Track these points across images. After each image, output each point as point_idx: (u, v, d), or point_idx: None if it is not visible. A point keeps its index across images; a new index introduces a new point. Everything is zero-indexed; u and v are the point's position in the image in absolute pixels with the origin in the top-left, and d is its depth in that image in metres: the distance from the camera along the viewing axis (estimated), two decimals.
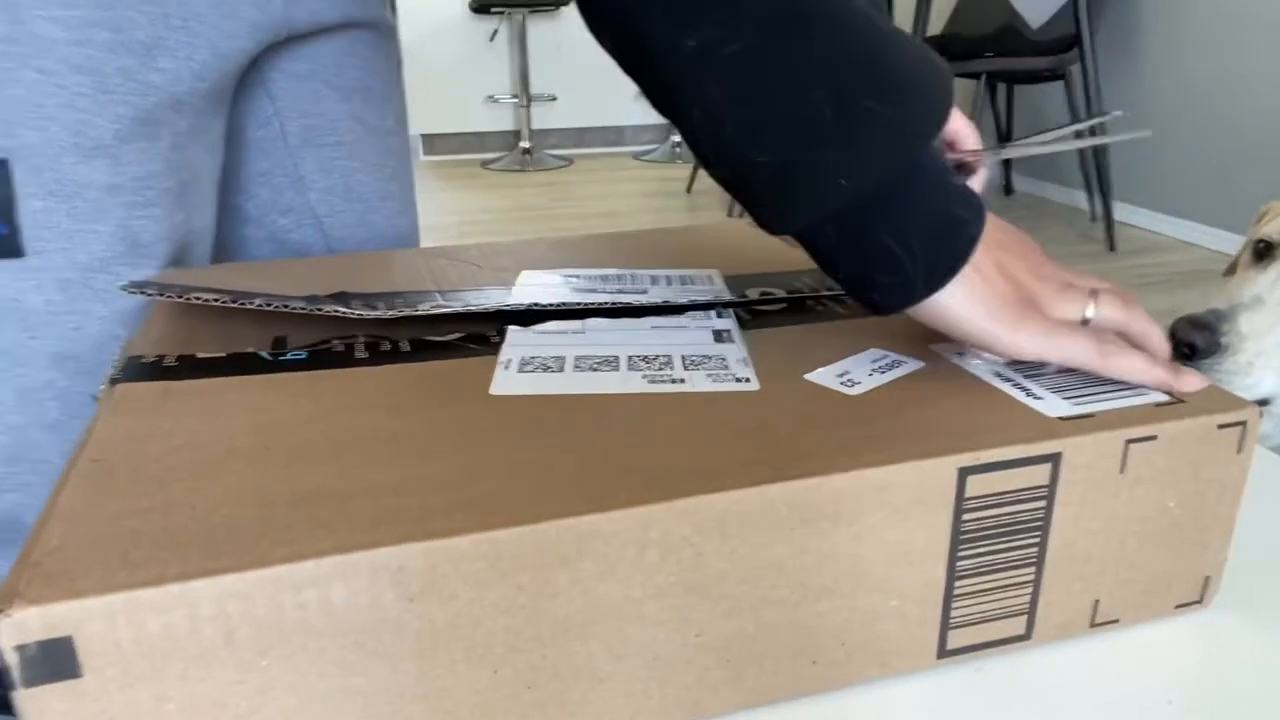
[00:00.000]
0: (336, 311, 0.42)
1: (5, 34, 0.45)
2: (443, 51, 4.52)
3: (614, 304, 0.45)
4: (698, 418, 0.34)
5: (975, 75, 3.24)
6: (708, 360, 0.39)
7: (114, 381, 0.37)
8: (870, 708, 0.33)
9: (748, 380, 0.37)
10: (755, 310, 0.44)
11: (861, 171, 0.33)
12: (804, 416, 0.34)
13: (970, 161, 0.50)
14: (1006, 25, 3.34)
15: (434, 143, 4.68)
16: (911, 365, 0.39)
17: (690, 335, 0.41)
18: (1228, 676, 0.35)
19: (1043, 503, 0.33)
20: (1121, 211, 3.24)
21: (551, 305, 0.44)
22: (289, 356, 0.39)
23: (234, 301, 0.42)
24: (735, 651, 0.31)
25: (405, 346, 0.40)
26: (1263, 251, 1.08)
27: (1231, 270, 1.20)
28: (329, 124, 0.65)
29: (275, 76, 0.62)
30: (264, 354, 0.40)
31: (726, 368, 0.38)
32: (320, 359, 0.39)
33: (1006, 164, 3.86)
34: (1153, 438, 0.34)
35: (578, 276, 0.50)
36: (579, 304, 0.45)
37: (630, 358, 0.39)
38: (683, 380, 0.37)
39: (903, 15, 3.40)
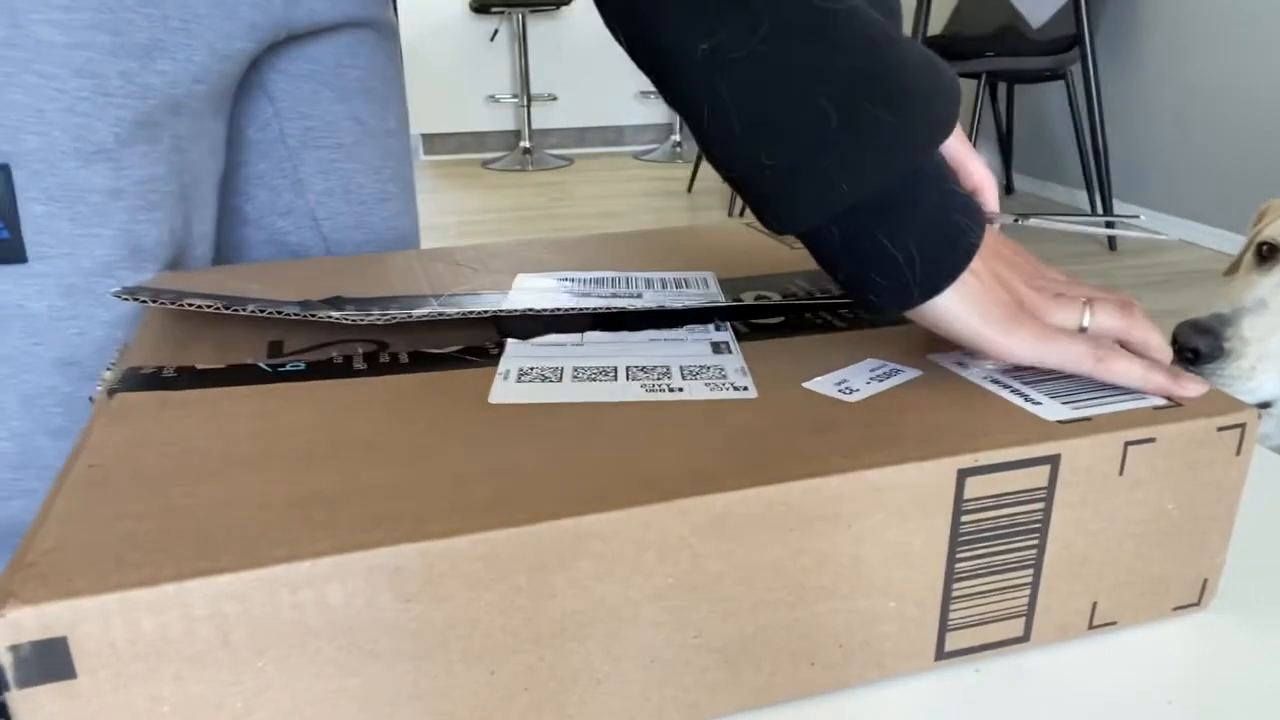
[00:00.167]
0: (330, 318, 0.42)
1: (5, 39, 0.45)
2: (443, 51, 4.53)
3: (608, 309, 0.45)
4: (696, 423, 0.34)
5: (975, 75, 3.24)
6: (706, 370, 0.39)
7: (112, 392, 0.37)
8: (869, 709, 0.33)
9: (746, 389, 0.37)
10: (753, 324, 0.44)
11: (863, 177, 0.34)
12: (802, 421, 0.34)
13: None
14: (1007, 25, 3.34)
15: (434, 143, 4.68)
16: (910, 374, 0.39)
17: (688, 348, 0.41)
18: (1228, 678, 0.35)
19: (1041, 505, 0.33)
20: (1122, 211, 3.24)
21: (546, 310, 0.44)
22: (288, 368, 0.39)
23: (227, 307, 0.42)
24: (733, 653, 0.31)
25: (404, 358, 0.40)
26: (1266, 254, 1.08)
27: (1233, 270, 1.19)
28: (328, 125, 0.64)
29: (275, 78, 0.62)
30: (263, 365, 0.40)
31: (724, 377, 0.38)
32: (319, 370, 0.39)
33: (1007, 163, 3.86)
34: (1151, 440, 0.34)
35: (572, 280, 0.50)
36: (574, 309, 0.45)
37: (629, 368, 0.39)
38: (681, 389, 0.37)
39: (903, 15, 3.40)
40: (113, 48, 0.48)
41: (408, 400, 0.36)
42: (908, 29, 2.90)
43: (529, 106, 4.54)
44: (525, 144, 4.58)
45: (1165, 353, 0.39)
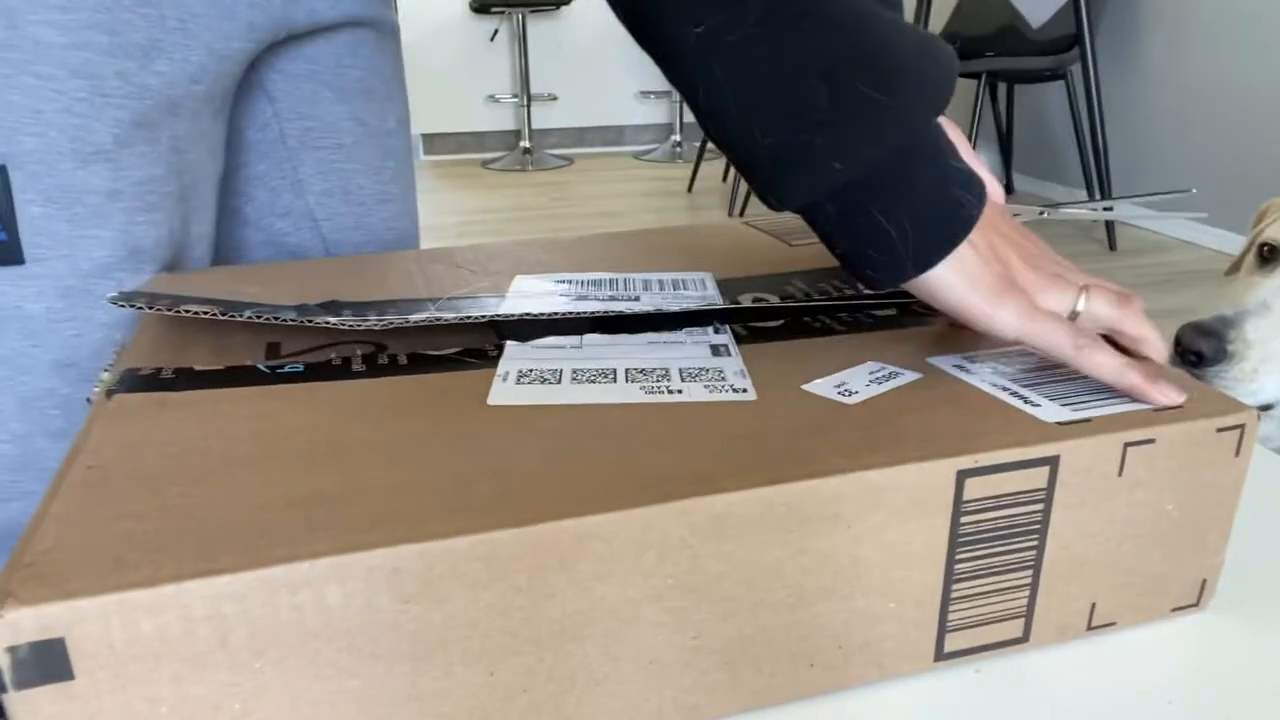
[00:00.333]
0: (327, 323, 0.42)
1: (2, 39, 0.45)
2: (443, 51, 4.52)
3: (606, 313, 0.45)
4: (695, 425, 0.34)
5: (975, 75, 3.24)
6: (705, 372, 0.39)
7: (110, 393, 0.37)
8: (870, 710, 0.33)
9: (745, 391, 0.37)
10: (752, 327, 0.44)
11: (855, 155, 0.35)
12: (801, 423, 0.34)
13: None
14: (1007, 25, 3.34)
15: (434, 143, 4.68)
16: (909, 376, 0.39)
17: (687, 350, 0.41)
18: (1227, 678, 0.35)
19: (1041, 506, 0.33)
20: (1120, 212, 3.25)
21: (544, 315, 0.44)
22: (286, 369, 0.39)
23: (223, 313, 0.42)
24: (733, 654, 0.31)
25: (403, 360, 0.40)
26: (1268, 255, 1.08)
27: (1233, 270, 1.19)
28: (328, 126, 0.64)
29: (274, 78, 0.62)
30: (262, 367, 0.40)
31: (724, 379, 0.38)
32: (317, 372, 0.39)
33: (1007, 163, 3.86)
34: (1151, 441, 0.34)
35: (570, 282, 0.50)
36: (571, 313, 0.45)
37: (628, 370, 0.39)
38: (680, 391, 0.37)
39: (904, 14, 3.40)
40: (110, 48, 0.48)
41: (406, 402, 0.36)
42: None
43: (529, 106, 4.54)
44: (525, 144, 4.58)
45: (1160, 351, 0.39)
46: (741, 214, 3.43)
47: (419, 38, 4.45)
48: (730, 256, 0.55)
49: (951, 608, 0.34)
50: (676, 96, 4.28)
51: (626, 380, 0.38)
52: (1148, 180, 3.20)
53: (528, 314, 0.44)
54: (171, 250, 0.54)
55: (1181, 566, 0.37)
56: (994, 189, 0.46)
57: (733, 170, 3.16)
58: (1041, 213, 0.51)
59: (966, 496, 0.32)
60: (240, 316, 0.42)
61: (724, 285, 0.50)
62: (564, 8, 4.47)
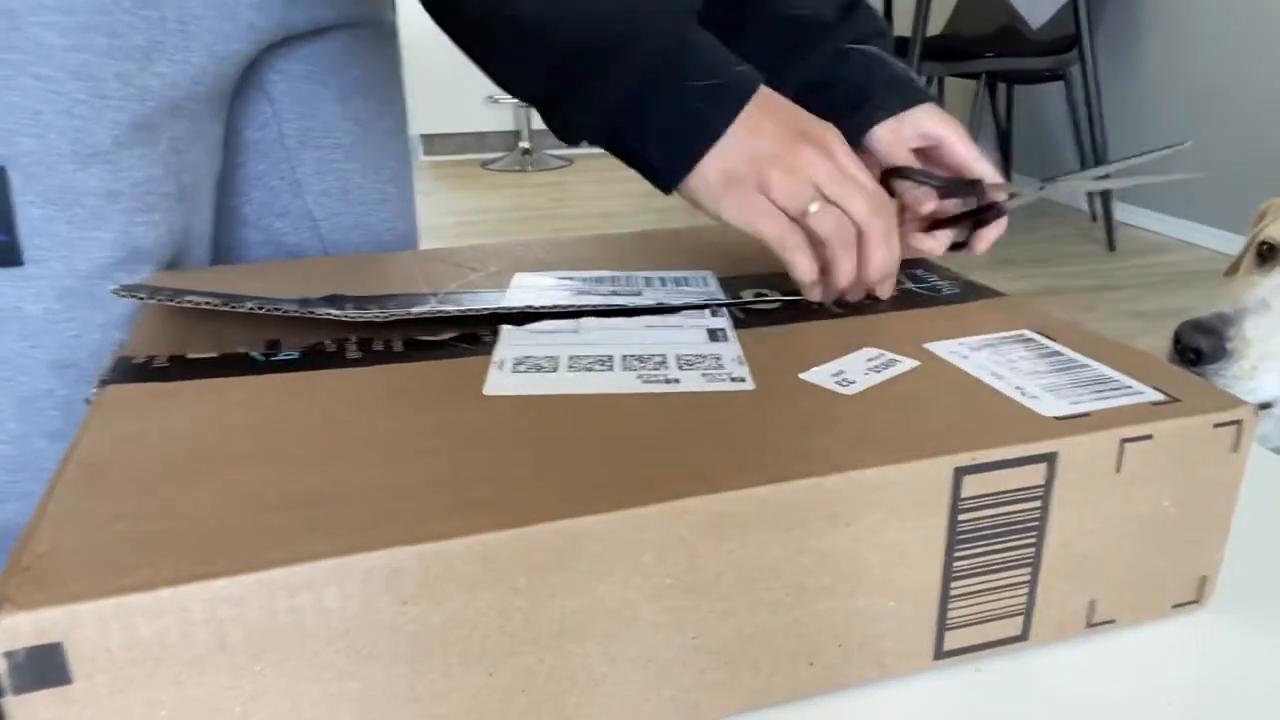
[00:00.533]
0: (329, 314, 0.42)
1: (3, 41, 0.45)
2: (443, 51, 4.50)
3: (607, 306, 0.45)
4: (693, 418, 0.34)
5: (975, 75, 3.23)
6: (702, 360, 0.39)
7: (104, 383, 0.37)
8: (871, 709, 0.33)
9: (743, 380, 0.37)
10: (750, 309, 0.44)
11: (591, 112, 0.45)
12: (799, 417, 0.34)
13: (1001, 202, 0.51)
14: (1006, 25, 3.33)
15: (434, 143, 4.68)
16: (907, 364, 0.39)
17: (685, 334, 0.41)
18: (1230, 677, 0.35)
19: (1038, 503, 0.33)
20: (1122, 211, 3.24)
21: (545, 308, 0.44)
22: (281, 357, 0.39)
23: (225, 304, 0.42)
24: (732, 653, 0.31)
25: (398, 346, 0.40)
26: (1266, 253, 1.07)
27: (1233, 270, 1.19)
28: (327, 126, 0.64)
29: (274, 78, 0.61)
30: (255, 354, 0.39)
31: (721, 367, 0.38)
32: (312, 359, 0.39)
33: (1006, 163, 3.86)
34: (1148, 437, 0.34)
35: (571, 278, 0.50)
36: (572, 306, 0.44)
37: (625, 357, 0.39)
38: (677, 380, 0.37)
39: (903, 15, 3.40)
40: (110, 50, 0.48)
41: (402, 393, 0.36)
42: (908, 29, 2.89)
43: (529, 107, 4.54)
44: (525, 144, 4.57)
45: (878, 268, 0.46)
46: None
47: (419, 38, 4.44)
48: (732, 256, 0.55)
49: (950, 606, 0.34)
50: None
51: (623, 368, 0.38)
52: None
53: (530, 306, 0.44)
54: (170, 251, 0.54)
55: (1180, 563, 0.37)
56: (985, 172, 0.52)
57: None
58: (1040, 187, 0.51)
59: (964, 494, 0.32)
60: (242, 307, 0.42)
61: (726, 283, 0.50)
62: None
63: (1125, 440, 0.34)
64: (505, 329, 0.41)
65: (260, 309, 0.42)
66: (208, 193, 0.58)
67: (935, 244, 0.56)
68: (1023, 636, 0.35)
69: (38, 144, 0.47)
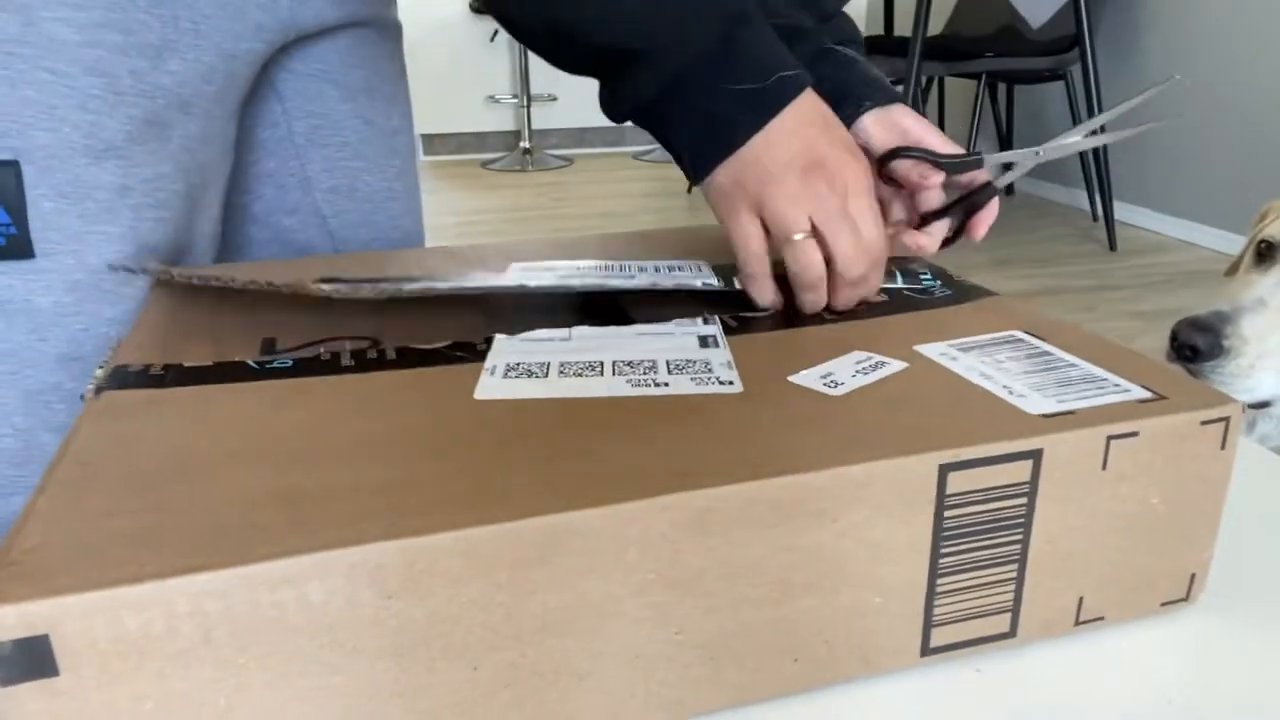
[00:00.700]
0: (321, 290, 0.42)
1: (18, 35, 0.45)
2: (443, 51, 4.53)
3: (601, 287, 0.45)
4: (680, 418, 0.34)
5: (975, 75, 3.23)
6: (692, 364, 0.39)
7: (100, 390, 0.37)
8: (860, 706, 0.33)
9: (731, 383, 0.37)
10: (741, 318, 0.44)
11: (624, 103, 0.46)
12: (786, 416, 0.34)
13: (994, 181, 0.52)
14: (1006, 25, 3.33)
15: (434, 143, 4.68)
16: (895, 366, 0.39)
17: (676, 341, 0.41)
18: (1221, 676, 0.35)
19: (1024, 499, 0.33)
20: (1122, 211, 3.24)
21: (540, 288, 0.45)
22: (275, 365, 0.39)
23: (218, 281, 0.43)
24: (717, 649, 0.31)
25: (391, 354, 0.40)
26: (1264, 252, 1.07)
27: (1233, 270, 1.19)
28: (335, 124, 0.65)
29: (284, 77, 0.62)
30: (251, 363, 0.40)
31: (710, 371, 0.38)
32: (306, 367, 0.39)
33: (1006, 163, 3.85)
34: (1134, 434, 0.34)
35: (566, 266, 0.50)
36: (566, 287, 0.45)
37: (615, 363, 0.39)
38: (666, 384, 0.37)
39: (903, 15, 3.40)
40: (124, 46, 0.48)
41: (394, 397, 0.36)
42: (908, 29, 2.89)
43: (529, 107, 4.54)
44: (525, 144, 4.58)
45: (846, 307, 0.47)
46: None
47: (419, 38, 4.45)
48: (728, 252, 0.55)
49: (936, 602, 0.34)
50: None
51: (614, 373, 0.38)
52: (1147, 180, 3.20)
53: (523, 286, 0.44)
54: (178, 248, 0.54)
55: (1169, 560, 0.37)
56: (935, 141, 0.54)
57: None
58: (1037, 153, 0.52)
59: (949, 490, 0.32)
60: (235, 284, 0.43)
61: (720, 270, 0.50)
62: None
63: (1111, 437, 0.34)
64: (499, 338, 0.42)
65: (253, 285, 0.43)
66: (217, 192, 0.59)
67: (930, 240, 0.56)
68: (1010, 633, 0.35)
69: (51, 138, 0.47)
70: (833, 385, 0.37)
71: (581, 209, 3.66)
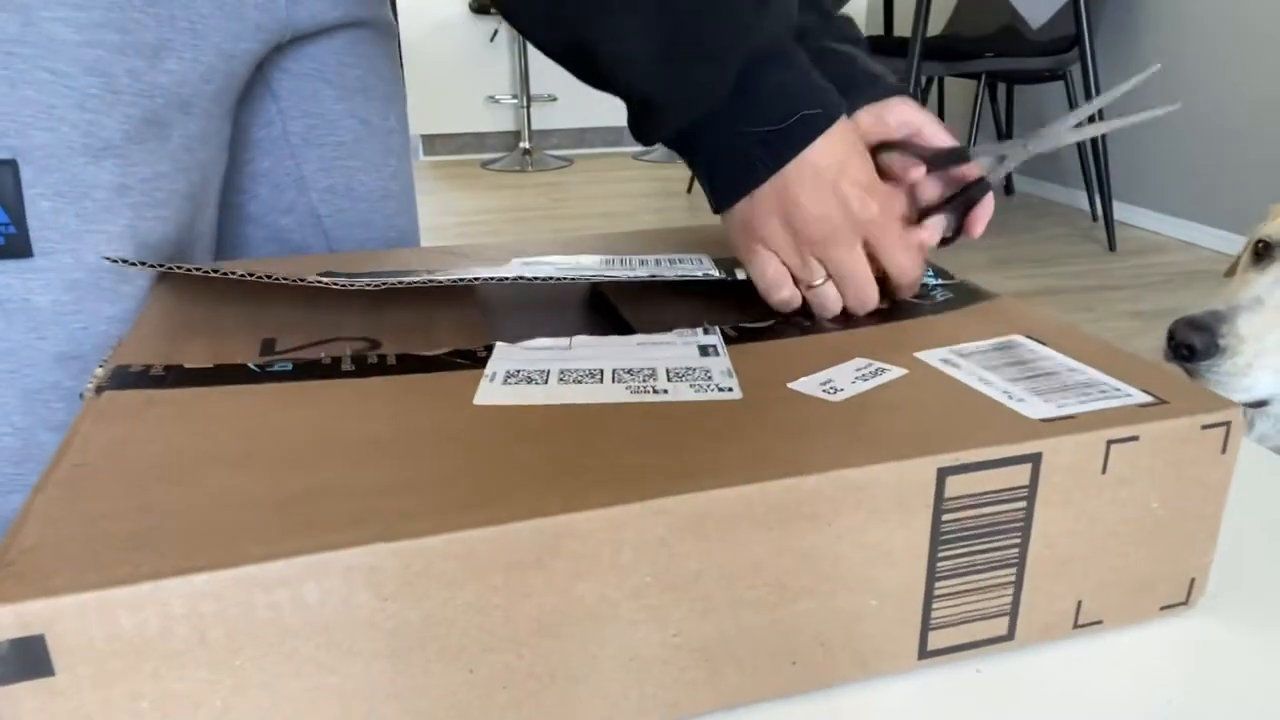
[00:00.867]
0: (319, 283, 0.42)
1: (17, 35, 0.45)
2: (443, 51, 4.53)
3: (600, 277, 0.45)
4: (678, 423, 0.34)
5: (975, 75, 3.23)
6: (691, 372, 0.39)
7: (100, 390, 0.37)
8: (859, 709, 0.33)
9: (730, 390, 0.37)
10: (742, 328, 0.44)
11: (653, 135, 0.46)
12: (785, 421, 0.34)
13: (988, 175, 0.52)
14: (1006, 25, 3.33)
15: (434, 143, 4.68)
16: (895, 372, 0.39)
17: (676, 351, 0.41)
18: (1221, 679, 0.35)
19: (1023, 503, 0.33)
20: (1122, 211, 3.24)
21: (539, 279, 0.44)
22: (276, 368, 0.39)
23: (216, 272, 0.43)
24: (713, 651, 0.31)
25: (392, 360, 0.40)
26: (1262, 252, 1.08)
27: (1232, 271, 1.19)
28: (330, 123, 0.65)
29: (279, 76, 0.62)
30: (251, 365, 0.40)
31: (710, 378, 0.38)
32: (306, 371, 0.39)
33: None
34: (1134, 438, 0.34)
35: (567, 261, 0.50)
36: (565, 278, 0.45)
37: (615, 370, 0.39)
38: (665, 391, 0.37)
39: (902, 15, 3.40)
40: (122, 46, 0.48)
41: (393, 402, 0.36)
42: (908, 29, 2.89)
43: (529, 107, 4.54)
44: (525, 145, 4.57)
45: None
46: None
47: (419, 38, 4.45)
48: (729, 250, 0.55)
49: (934, 606, 0.34)
50: None
51: (613, 380, 0.38)
52: (1147, 180, 3.20)
53: (521, 278, 0.44)
54: (176, 247, 0.54)
55: (1169, 565, 0.37)
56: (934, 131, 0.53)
57: None
58: (1025, 145, 0.53)
59: (948, 494, 0.32)
60: (233, 275, 0.43)
61: (721, 263, 0.50)
62: None
63: (1111, 441, 0.34)
64: (499, 346, 0.42)
65: (251, 275, 0.43)
66: (214, 191, 0.59)
67: (928, 233, 0.56)
68: (1009, 636, 0.35)
69: (50, 137, 0.47)
70: (832, 392, 0.37)
71: (581, 209, 3.66)
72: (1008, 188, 3.91)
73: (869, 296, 0.46)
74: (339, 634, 0.27)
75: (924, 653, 0.34)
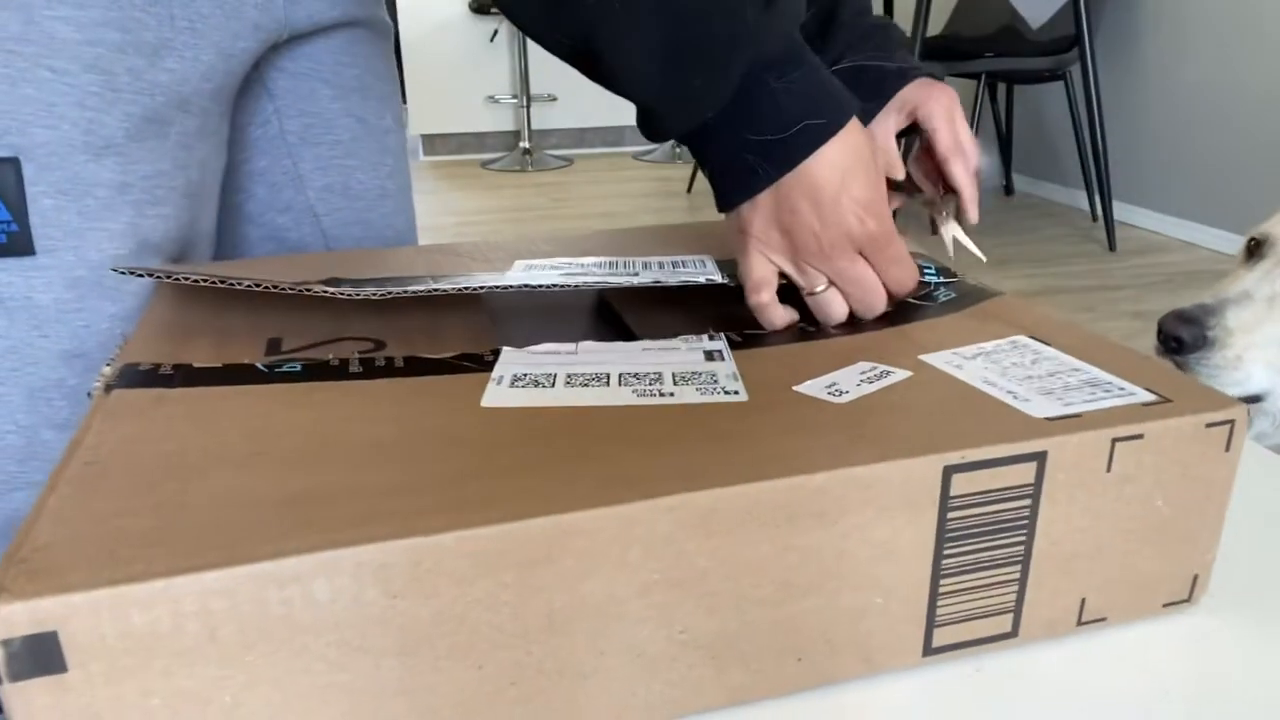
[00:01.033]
0: (325, 292, 0.42)
1: (19, 34, 0.46)
2: (443, 51, 4.53)
3: (604, 284, 0.45)
4: (685, 425, 0.34)
5: (975, 75, 3.24)
6: (697, 376, 0.39)
7: (110, 389, 0.37)
8: (863, 706, 0.33)
9: (736, 393, 0.37)
10: (748, 334, 0.44)
11: (661, 136, 0.46)
12: (791, 422, 0.35)
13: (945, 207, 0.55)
14: (1006, 25, 3.34)
15: (434, 143, 4.68)
16: (900, 375, 0.39)
17: (682, 355, 0.41)
18: (1223, 677, 0.35)
19: (1028, 501, 0.33)
20: (1122, 211, 3.24)
21: (542, 286, 0.45)
22: (284, 369, 0.40)
23: (223, 282, 0.43)
24: (719, 648, 0.31)
25: (399, 363, 0.40)
26: (1254, 248, 1.08)
27: None
28: (327, 122, 0.65)
29: (275, 75, 0.62)
30: (260, 366, 0.40)
31: (716, 382, 0.38)
32: (315, 372, 0.39)
33: (1006, 164, 3.86)
34: (1139, 436, 0.34)
35: (570, 264, 0.50)
36: (570, 285, 0.45)
37: (621, 374, 0.39)
38: (672, 394, 0.37)
39: (903, 15, 3.40)
40: (122, 45, 0.49)
41: (401, 403, 0.36)
42: (907, 29, 2.90)
43: (529, 107, 4.54)
44: (525, 144, 4.58)
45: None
46: None
47: (419, 38, 4.45)
48: (730, 249, 0.55)
49: (939, 603, 0.34)
50: None
51: (620, 384, 0.38)
52: (1147, 180, 3.20)
53: (526, 285, 0.44)
54: (177, 245, 0.54)
55: (1172, 562, 0.37)
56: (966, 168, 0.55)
57: None
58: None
59: (953, 492, 0.32)
60: (240, 285, 0.43)
61: (724, 265, 0.50)
62: None
63: (1116, 440, 0.34)
64: (506, 350, 0.42)
65: (257, 286, 0.43)
66: (214, 189, 0.59)
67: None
68: (1013, 633, 0.36)
69: (51, 135, 0.47)
70: (837, 394, 0.37)
71: (581, 209, 3.66)
72: (1007, 188, 3.91)
73: (876, 301, 0.46)
74: (349, 631, 0.27)
75: (928, 649, 0.35)
